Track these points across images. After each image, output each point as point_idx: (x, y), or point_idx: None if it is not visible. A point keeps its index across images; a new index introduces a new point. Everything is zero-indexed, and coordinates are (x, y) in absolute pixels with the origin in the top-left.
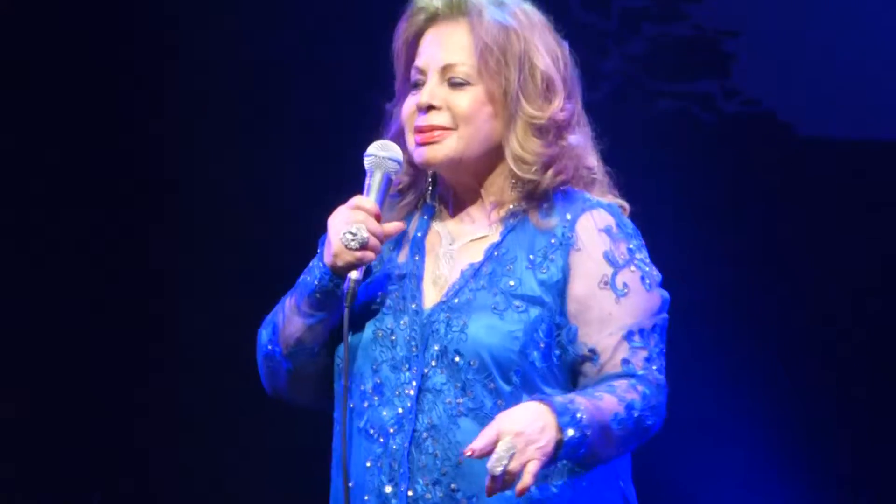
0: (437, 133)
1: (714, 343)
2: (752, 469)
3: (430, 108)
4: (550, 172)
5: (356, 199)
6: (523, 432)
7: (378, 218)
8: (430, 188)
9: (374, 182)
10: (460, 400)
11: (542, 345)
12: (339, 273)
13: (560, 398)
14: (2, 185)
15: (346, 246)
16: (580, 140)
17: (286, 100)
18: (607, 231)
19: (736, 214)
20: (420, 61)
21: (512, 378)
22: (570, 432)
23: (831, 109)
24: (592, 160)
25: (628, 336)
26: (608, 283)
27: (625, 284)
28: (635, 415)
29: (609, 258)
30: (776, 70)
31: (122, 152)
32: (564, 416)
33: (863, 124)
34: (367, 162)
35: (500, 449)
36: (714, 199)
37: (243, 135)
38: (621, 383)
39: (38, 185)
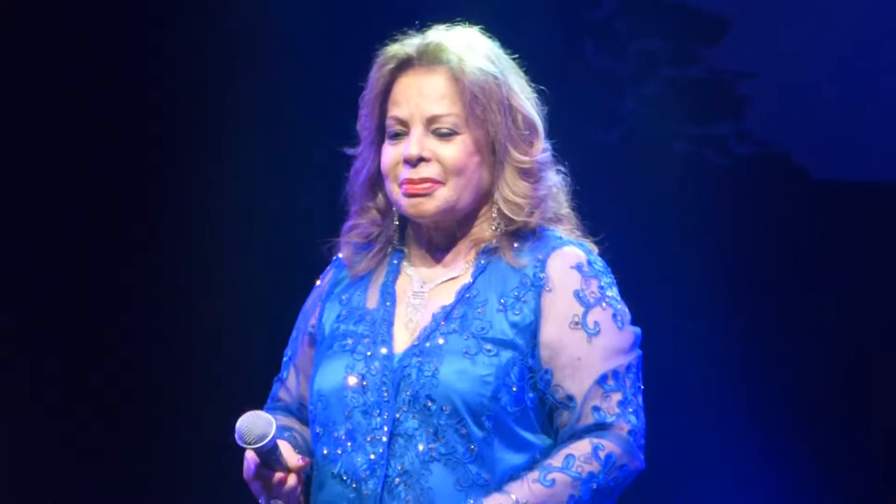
0: (427, 185)
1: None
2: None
3: (419, 160)
4: (537, 213)
5: (254, 475)
6: None
7: (282, 481)
8: (396, 234)
9: (260, 458)
10: (432, 445)
11: (514, 388)
12: None
13: (502, 498)
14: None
15: None
16: (556, 178)
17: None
18: (578, 268)
19: (748, 258)
20: (400, 111)
21: (484, 423)
22: None
23: (845, 152)
24: (563, 197)
25: (601, 380)
26: (579, 322)
27: (595, 323)
28: (594, 486)
29: (579, 297)
30: (790, 112)
31: (122, 151)
32: None
33: (877, 167)
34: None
35: None
36: (727, 243)
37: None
38: (583, 451)
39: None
